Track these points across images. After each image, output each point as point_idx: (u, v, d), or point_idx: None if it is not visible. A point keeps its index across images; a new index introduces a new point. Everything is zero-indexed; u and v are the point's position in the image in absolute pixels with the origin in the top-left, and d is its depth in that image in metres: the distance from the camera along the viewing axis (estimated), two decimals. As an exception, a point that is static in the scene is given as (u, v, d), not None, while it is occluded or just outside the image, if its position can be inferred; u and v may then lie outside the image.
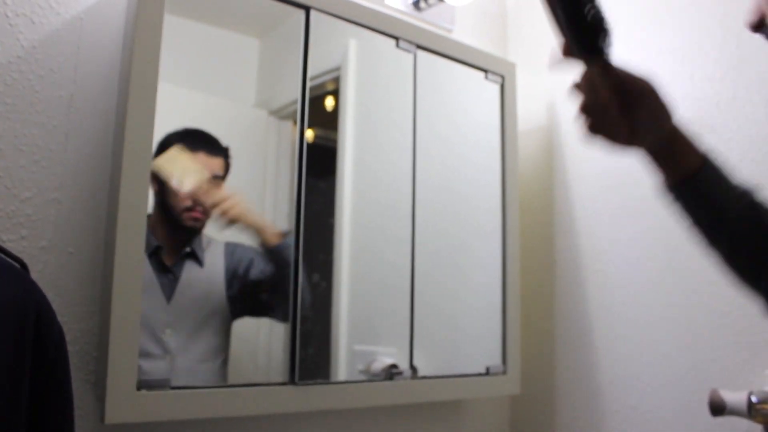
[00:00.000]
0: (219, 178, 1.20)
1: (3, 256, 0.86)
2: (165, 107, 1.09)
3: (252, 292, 1.23)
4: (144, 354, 1.07)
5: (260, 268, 1.22)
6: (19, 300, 0.82)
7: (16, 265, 0.87)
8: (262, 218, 1.24)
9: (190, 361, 1.13)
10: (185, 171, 1.16)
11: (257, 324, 1.29)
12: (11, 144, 1.06)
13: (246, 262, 1.22)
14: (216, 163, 1.19)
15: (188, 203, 1.15)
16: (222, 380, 1.18)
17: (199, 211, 1.17)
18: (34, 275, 0.90)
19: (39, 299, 0.85)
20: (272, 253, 1.23)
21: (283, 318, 1.22)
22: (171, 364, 1.11)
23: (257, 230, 1.23)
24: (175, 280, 1.15)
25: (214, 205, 1.20)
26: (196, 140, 1.17)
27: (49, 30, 1.11)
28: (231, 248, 1.21)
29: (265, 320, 1.29)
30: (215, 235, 1.20)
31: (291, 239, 1.23)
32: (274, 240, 1.23)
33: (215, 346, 1.17)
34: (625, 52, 1.55)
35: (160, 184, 1.13)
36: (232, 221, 1.21)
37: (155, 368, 1.07)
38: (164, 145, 1.13)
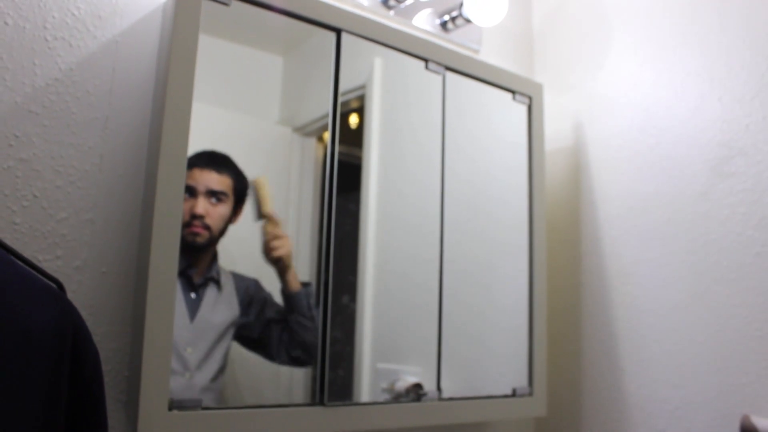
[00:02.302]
0: (220, 194, 1.18)
1: (40, 276, 0.88)
2: (192, 125, 1.11)
3: (260, 329, 1.23)
4: None
5: (275, 309, 1.24)
6: (57, 321, 0.83)
7: (53, 285, 0.88)
8: (293, 266, 1.26)
9: (204, 380, 1.14)
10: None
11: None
12: (48, 165, 1.07)
13: (260, 301, 1.22)
14: (212, 178, 1.17)
15: (186, 218, 1.14)
16: (223, 400, 1.18)
17: (197, 225, 1.15)
18: (69, 294, 0.91)
19: (76, 320, 0.87)
20: (289, 297, 1.24)
21: (270, 358, 1.24)
22: (190, 380, 1.11)
23: (286, 275, 1.24)
24: (199, 300, 1.16)
25: (271, 237, 1.23)
26: (195, 159, 1.15)
27: (86, 53, 1.13)
28: (240, 280, 1.22)
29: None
30: (223, 264, 1.20)
31: (310, 289, 1.25)
32: (295, 287, 1.25)
33: (219, 368, 1.17)
34: (652, 74, 1.56)
35: None
36: (276, 260, 1.23)
37: (176, 384, 1.08)
38: None
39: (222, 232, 1.19)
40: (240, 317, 1.20)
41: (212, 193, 1.17)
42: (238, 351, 1.20)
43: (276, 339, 1.23)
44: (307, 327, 1.24)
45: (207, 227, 1.16)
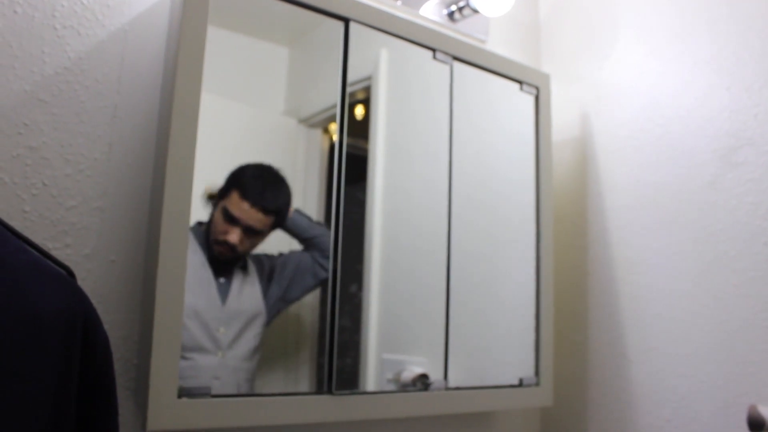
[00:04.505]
0: (258, 232, 1.22)
1: (51, 263, 0.88)
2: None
3: (290, 280, 1.27)
4: (198, 348, 1.12)
5: (291, 257, 1.27)
6: (67, 308, 0.83)
7: (63, 272, 0.88)
8: None
9: (235, 359, 1.18)
10: None
11: (284, 333, 1.30)
12: (57, 153, 1.08)
13: (272, 267, 1.26)
14: (257, 218, 1.21)
15: (221, 238, 1.18)
16: (257, 380, 1.21)
17: (226, 249, 1.19)
18: (78, 282, 0.91)
19: (86, 307, 0.87)
20: (288, 229, 1.27)
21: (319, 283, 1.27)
22: (223, 359, 1.15)
23: None
24: (228, 284, 1.20)
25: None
26: (251, 188, 1.20)
27: (95, 41, 1.13)
28: (258, 262, 1.25)
29: (293, 330, 1.30)
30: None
31: (299, 209, 1.28)
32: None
33: (254, 347, 1.21)
34: (660, 63, 1.56)
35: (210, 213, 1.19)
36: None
37: (209, 362, 1.13)
38: (227, 185, 1.19)
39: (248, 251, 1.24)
40: (263, 295, 1.24)
41: (251, 230, 1.21)
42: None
43: (310, 269, 1.27)
44: (319, 233, 1.27)
45: (234, 250, 1.20)
